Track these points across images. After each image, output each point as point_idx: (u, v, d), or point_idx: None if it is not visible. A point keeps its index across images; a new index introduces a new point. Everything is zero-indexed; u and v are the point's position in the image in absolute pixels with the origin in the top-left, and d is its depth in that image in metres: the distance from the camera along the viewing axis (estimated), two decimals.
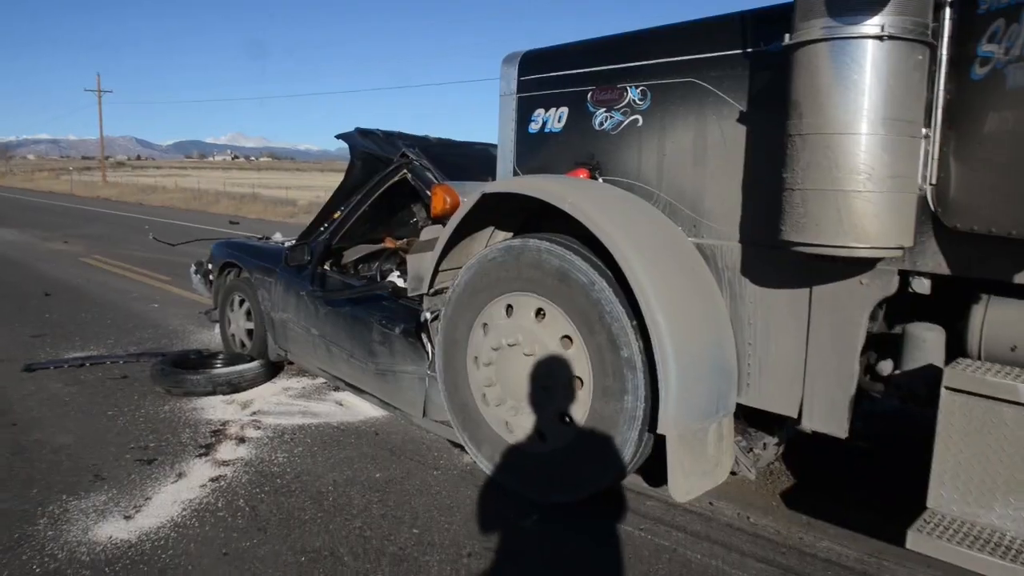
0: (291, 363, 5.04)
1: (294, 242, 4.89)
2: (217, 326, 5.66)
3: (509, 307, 3.14)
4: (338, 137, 4.69)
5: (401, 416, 4.09)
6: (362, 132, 4.72)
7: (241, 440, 3.81)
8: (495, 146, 5.12)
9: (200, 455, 3.61)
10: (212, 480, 3.32)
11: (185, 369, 4.68)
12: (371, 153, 4.51)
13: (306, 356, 4.59)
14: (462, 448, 3.67)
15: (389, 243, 5.07)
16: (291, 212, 28.45)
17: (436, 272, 3.42)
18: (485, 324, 3.23)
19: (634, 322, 2.76)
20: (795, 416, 2.72)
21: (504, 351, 3.11)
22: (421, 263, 3.52)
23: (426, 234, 4.40)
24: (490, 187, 3.13)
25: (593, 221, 2.76)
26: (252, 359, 4.85)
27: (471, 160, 4.65)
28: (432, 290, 3.47)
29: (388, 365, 3.93)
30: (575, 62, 3.42)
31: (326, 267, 4.55)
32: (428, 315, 3.70)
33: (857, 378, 2.57)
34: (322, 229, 4.64)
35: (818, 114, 2.20)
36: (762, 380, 2.82)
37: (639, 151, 3.17)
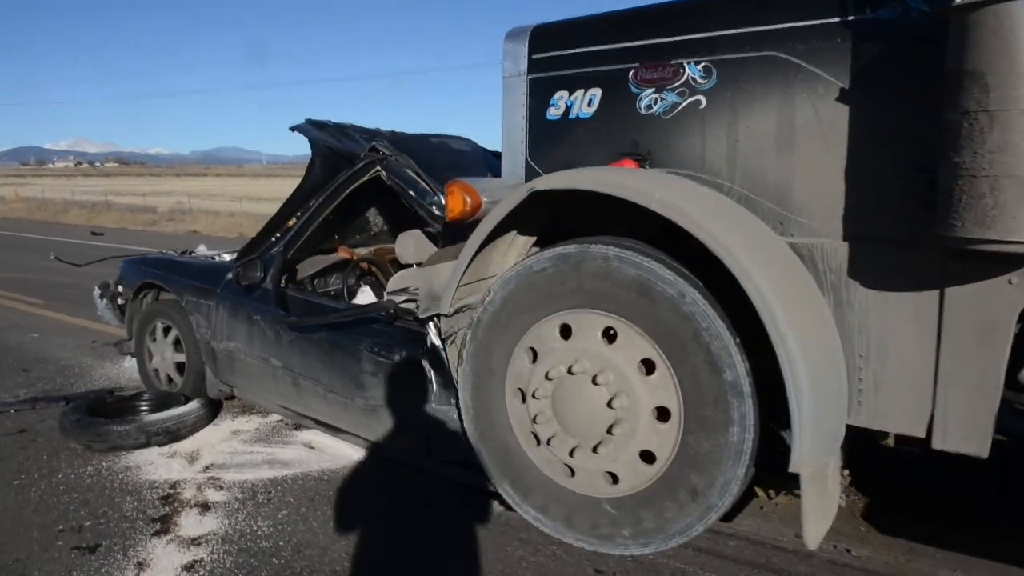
0: (232, 397, 4.23)
1: (236, 255, 4.09)
2: (131, 359, 4.74)
3: (565, 327, 2.60)
4: (293, 129, 3.95)
5: (392, 457, 3.44)
6: (315, 124, 4.01)
7: (204, 507, 3.04)
8: (459, 139, 4.57)
9: (157, 533, 2.82)
10: (187, 569, 2.56)
11: (106, 417, 3.79)
12: (332, 148, 3.81)
13: (262, 392, 3.82)
14: (484, 491, 3.10)
15: (344, 252, 4.38)
16: (151, 220, 26.36)
17: (457, 288, 2.82)
18: (532, 349, 2.67)
19: (737, 339, 2.31)
20: (922, 435, 2.36)
21: (562, 380, 2.57)
22: (436, 277, 2.91)
23: (408, 241, 3.78)
24: (542, 183, 2.57)
25: (695, 221, 2.28)
26: (187, 398, 4.00)
27: (449, 155, 4.06)
28: (453, 310, 2.87)
29: (381, 399, 3.28)
30: (610, 35, 2.92)
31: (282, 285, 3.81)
32: (436, 339, 3.09)
33: (1001, 389, 2.25)
34: (273, 240, 3.88)
35: (1017, 85, 1.82)
36: (878, 397, 2.44)
37: (702, 137, 2.72)
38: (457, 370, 2.92)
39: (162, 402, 4.06)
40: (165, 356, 4.27)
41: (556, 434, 2.61)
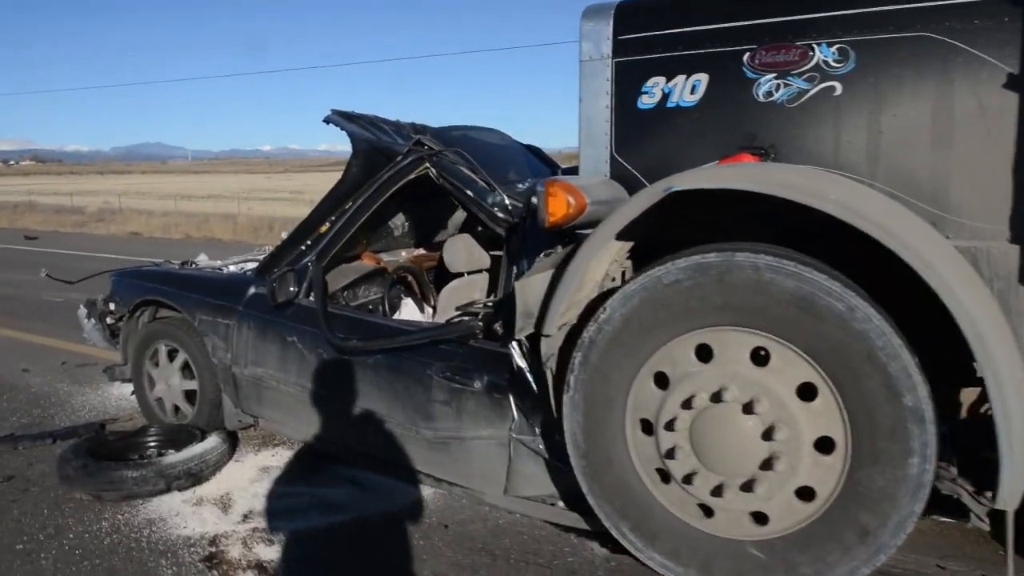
0: (249, 427, 3.75)
1: (258, 267, 3.59)
2: (121, 384, 4.19)
3: (704, 348, 2.27)
4: (326, 121, 3.48)
5: (462, 495, 3.05)
6: (344, 115, 3.56)
7: (260, 569, 2.59)
8: (490, 131, 4.17)
9: None
10: None
11: (110, 458, 3.28)
12: (371, 144, 3.37)
13: (298, 423, 3.36)
14: (582, 533, 2.76)
15: (369, 260, 3.94)
16: (81, 221, 25.02)
17: (566, 305, 2.45)
18: (661, 373, 2.33)
19: (916, 359, 2.03)
20: None
21: (705, 410, 2.24)
22: (533, 291, 2.53)
23: (458, 247, 3.39)
24: (683, 181, 2.21)
25: (882, 226, 1.97)
26: (202, 432, 3.50)
27: (484, 149, 3.67)
28: (559, 328, 2.49)
29: (453, 430, 2.88)
30: (719, 13, 2.58)
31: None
32: (521, 361, 2.72)
33: None
34: (304, 248, 3.42)
35: None
36: None
37: (836, 128, 2.42)
38: (560, 398, 2.55)
39: (173, 437, 3.55)
40: (171, 383, 3.75)
41: (696, 471, 2.28)
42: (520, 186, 3.33)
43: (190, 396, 3.73)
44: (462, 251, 3.43)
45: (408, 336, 2.93)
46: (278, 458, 3.56)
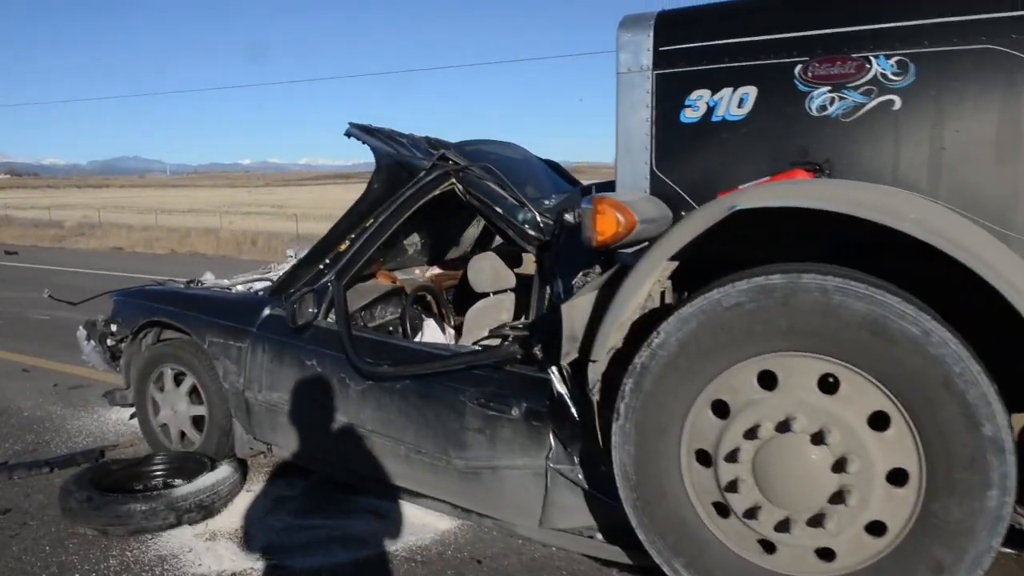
0: (259, 455, 3.57)
1: (273, 287, 3.43)
2: (120, 409, 4.00)
3: (766, 375, 2.15)
4: (348, 135, 3.34)
5: (493, 528, 2.90)
6: (363, 128, 3.43)
7: None
8: (507, 144, 4.05)
9: None
10: None
11: (113, 489, 3.10)
12: (396, 159, 3.24)
13: (317, 451, 3.19)
14: (624, 568, 2.63)
15: (384, 279, 3.80)
16: (60, 235, 24.66)
17: (614, 328, 2.32)
18: (720, 402, 2.21)
19: (995, 386, 1.92)
20: None
21: (769, 440, 2.12)
22: (579, 314, 2.41)
23: (484, 266, 3.26)
24: (748, 200, 2.10)
25: (966, 248, 1.87)
26: (212, 461, 3.32)
27: (506, 164, 3.55)
28: (607, 353, 2.36)
29: (486, 460, 2.74)
30: (767, 23, 2.49)
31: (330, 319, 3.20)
32: (562, 387, 2.59)
33: None
34: (322, 267, 3.27)
35: None
36: None
37: (894, 144, 2.33)
38: (607, 426, 2.42)
39: (180, 466, 3.37)
40: (177, 409, 3.57)
41: (759, 505, 2.15)
42: (546, 202, 3.21)
43: (198, 422, 3.55)
44: (488, 270, 3.29)
45: (445, 361, 2.76)
46: (292, 487, 3.39)
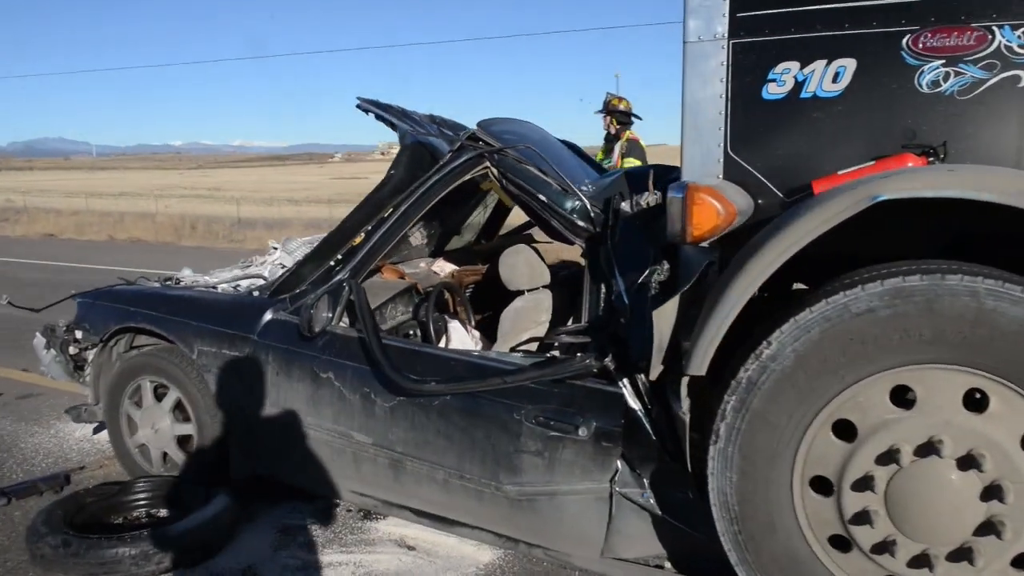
0: (258, 479, 3.14)
1: (274, 288, 2.97)
2: (86, 425, 3.51)
3: (900, 391, 1.86)
4: (360, 108, 2.92)
5: (543, 559, 2.57)
6: (378, 104, 3.01)
7: None
8: (522, 122, 3.67)
9: None
10: None
11: (90, 526, 2.66)
12: (420, 141, 2.84)
13: (330, 477, 2.79)
14: None
15: (390, 274, 3.40)
16: None
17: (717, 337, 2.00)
18: (845, 421, 1.91)
19: None
20: None
21: (908, 465, 1.83)
22: (668, 322, 2.07)
23: (518, 261, 2.91)
24: (893, 189, 1.79)
25: None
26: (207, 489, 2.88)
27: (546, 148, 3.18)
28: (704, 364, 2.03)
29: (543, 484, 2.39)
30: None
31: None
32: (635, 403, 2.27)
33: None
34: (333, 264, 2.85)
35: None
36: None
37: (1020, 125, 2.07)
38: (699, 449, 2.10)
39: (167, 494, 2.93)
40: (159, 427, 3.10)
41: (892, 538, 1.87)
42: (583, 188, 2.86)
43: (184, 442, 3.09)
44: (523, 265, 2.93)
45: (513, 376, 2.35)
46: (298, 514, 2.98)
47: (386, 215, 2.81)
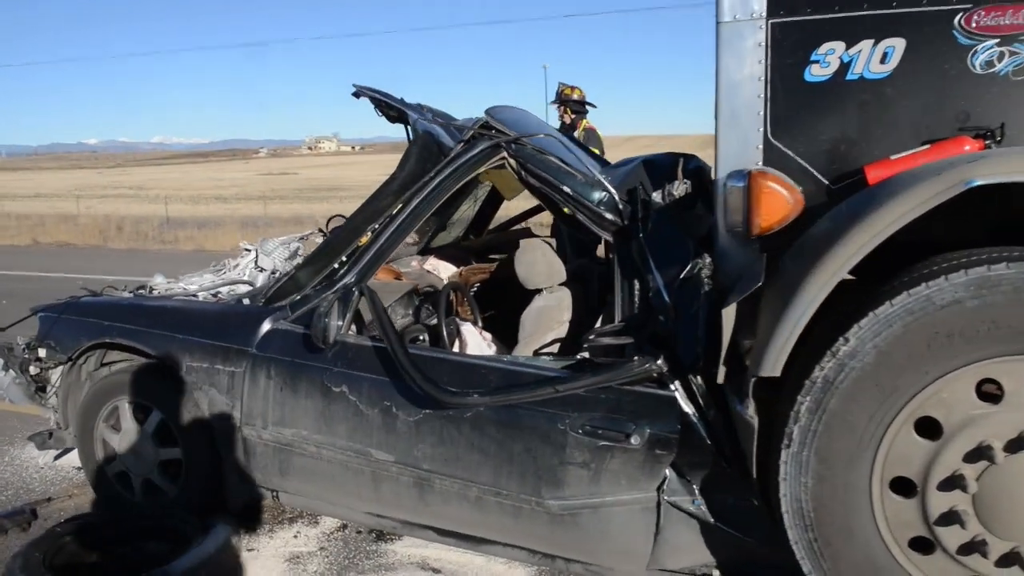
0: (256, 503, 2.88)
1: (269, 294, 2.71)
2: (49, 452, 3.17)
3: (990, 384, 1.78)
4: (356, 95, 2.69)
5: (583, 573, 2.42)
6: (377, 92, 2.78)
7: None
8: (512, 108, 3.49)
9: None
10: None
11: (73, 566, 2.36)
12: (433, 135, 2.63)
13: (344, 497, 2.56)
14: None
15: (386, 274, 3.18)
16: None
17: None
18: (928, 418, 1.82)
19: None
20: None
21: (1000, 462, 1.75)
22: (730, 321, 1.94)
23: (535, 258, 2.75)
24: (989, 173, 1.69)
25: None
26: (202, 520, 2.61)
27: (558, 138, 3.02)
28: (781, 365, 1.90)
29: (587, 496, 2.24)
30: None
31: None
32: (689, 407, 2.13)
33: None
34: (337, 266, 2.61)
35: None
36: None
37: None
38: (767, 454, 1.98)
39: (155, 526, 2.64)
40: (141, 453, 2.81)
41: (981, 538, 1.79)
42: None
43: (169, 467, 2.81)
44: (540, 262, 2.75)
45: (566, 383, 2.16)
46: (304, 540, 2.75)
47: (395, 212, 2.59)
